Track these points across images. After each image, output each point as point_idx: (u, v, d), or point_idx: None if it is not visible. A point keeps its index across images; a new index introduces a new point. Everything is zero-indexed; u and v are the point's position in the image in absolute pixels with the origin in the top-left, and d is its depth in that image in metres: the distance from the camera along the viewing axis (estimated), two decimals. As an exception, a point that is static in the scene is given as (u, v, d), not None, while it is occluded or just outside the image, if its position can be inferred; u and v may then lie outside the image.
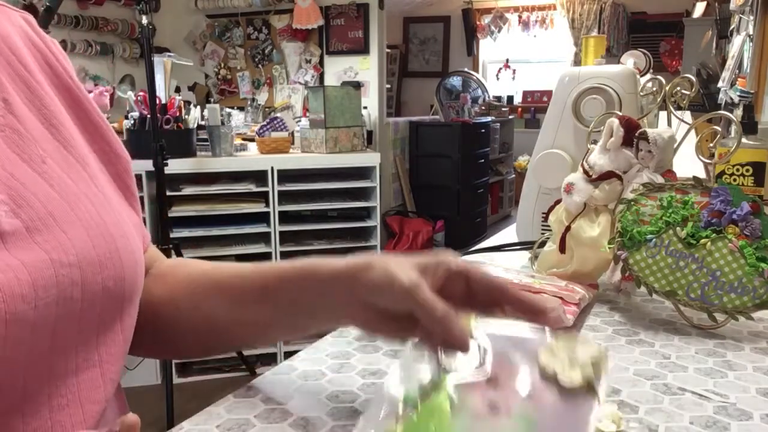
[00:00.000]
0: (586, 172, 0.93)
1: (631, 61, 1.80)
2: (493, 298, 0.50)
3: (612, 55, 5.56)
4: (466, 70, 7.11)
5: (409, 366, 0.45)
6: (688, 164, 0.98)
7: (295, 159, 3.13)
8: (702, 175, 0.93)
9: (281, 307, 0.54)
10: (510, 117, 6.84)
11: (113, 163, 0.56)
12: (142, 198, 2.56)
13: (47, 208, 0.44)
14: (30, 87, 0.49)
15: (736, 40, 3.56)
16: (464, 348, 0.45)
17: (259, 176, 3.02)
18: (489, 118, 6.22)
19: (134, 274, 0.51)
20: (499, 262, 1.09)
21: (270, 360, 3.06)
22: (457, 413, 0.41)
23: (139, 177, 2.57)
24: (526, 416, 0.39)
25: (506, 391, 0.42)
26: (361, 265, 0.49)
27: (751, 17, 3.32)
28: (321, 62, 4.96)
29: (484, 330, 0.47)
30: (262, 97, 5.12)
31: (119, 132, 2.24)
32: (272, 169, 2.97)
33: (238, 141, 3.20)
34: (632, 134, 0.90)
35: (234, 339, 0.59)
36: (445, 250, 0.50)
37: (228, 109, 3.49)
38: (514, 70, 7.51)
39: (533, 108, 7.28)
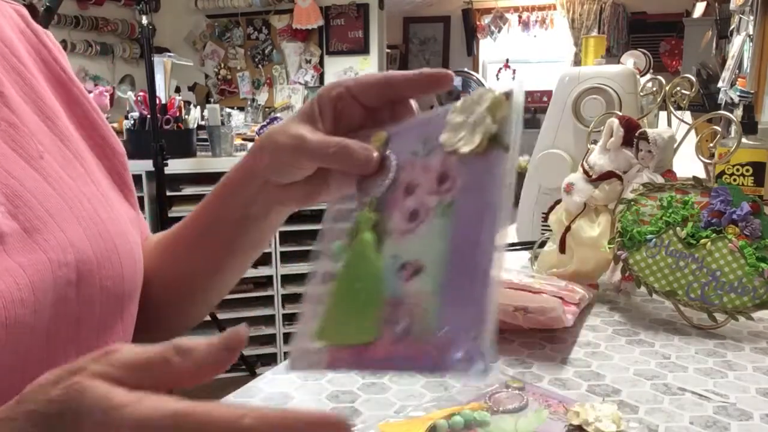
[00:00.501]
0: (586, 172, 0.93)
1: (631, 61, 1.80)
2: (388, 98, 0.46)
3: (612, 55, 5.56)
4: (466, 70, 7.11)
5: (330, 224, 0.44)
6: (688, 164, 0.98)
7: (295, 159, 3.13)
8: (702, 175, 0.93)
9: (217, 230, 0.54)
10: (510, 117, 6.81)
11: (108, 158, 0.55)
12: (141, 198, 2.56)
13: (44, 206, 0.44)
14: (24, 79, 0.48)
15: (736, 40, 3.56)
16: (367, 166, 0.42)
17: (259, 176, 3.02)
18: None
19: (133, 272, 0.50)
20: (499, 262, 1.09)
21: (270, 360, 3.06)
22: (382, 242, 0.39)
23: (139, 177, 2.57)
24: (441, 208, 0.37)
25: (421, 192, 0.39)
26: (254, 155, 0.49)
27: (751, 17, 3.32)
28: (321, 62, 4.96)
29: (395, 138, 0.44)
30: (262, 97, 5.12)
31: (119, 132, 2.25)
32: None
33: (238, 141, 3.20)
34: (632, 134, 0.90)
35: (200, 285, 0.58)
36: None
37: (228, 109, 3.49)
38: (514, 70, 7.51)
39: (533, 108, 7.28)
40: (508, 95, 0.37)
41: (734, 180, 1.09)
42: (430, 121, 0.42)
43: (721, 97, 3.49)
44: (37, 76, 0.50)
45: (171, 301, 0.59)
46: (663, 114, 1.14)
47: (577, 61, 5.94)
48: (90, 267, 0.45)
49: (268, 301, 2.90)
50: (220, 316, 2.71)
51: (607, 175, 0.90)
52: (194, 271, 0.57)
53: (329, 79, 4.90)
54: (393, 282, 0.36)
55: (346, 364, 0.36)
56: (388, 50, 6.09)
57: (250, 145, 3.30)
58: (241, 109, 4.43)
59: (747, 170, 1.08)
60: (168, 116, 2.75)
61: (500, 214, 0.33)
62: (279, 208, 0.52)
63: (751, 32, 3.30)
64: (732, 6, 3.66)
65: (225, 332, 0.30)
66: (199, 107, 3.17)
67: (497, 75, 7.68)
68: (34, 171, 0.45)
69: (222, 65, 5.22)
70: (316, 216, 3.26)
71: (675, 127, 0.98)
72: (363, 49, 4.84)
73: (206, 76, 5.25)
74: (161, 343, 0.30)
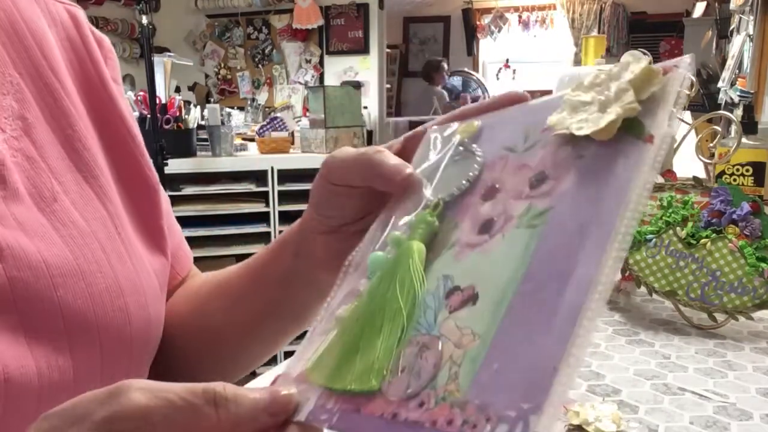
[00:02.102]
0: (586, 172, 0.93)
1: (631, 61, 1.79)
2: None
3: (612, 55, 5.56)
4: (466, 70, 7.11)
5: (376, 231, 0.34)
6: (688, 164, 0.98)
7: (296, 159, 3.13)
8: (702, 175, 0.93)
9: (263, 285, 0.48)
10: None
11: (140, 196, 0.48)
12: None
13: (43, 255, 0.38)
14: (57, 100, 0.43)
15: (736, 40, 3.56)
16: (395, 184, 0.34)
17: (259, 176, 3.02)
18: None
19: (146, 335, 0.44)
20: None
21: (270, 360, 3.06)
22: (436, 257, 0.30)
23: (139, 177, 2.56)
24: (529, 218, 0.26)
25: (504, 196, 0.29)
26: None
27: (751, 17, 3.32)
28: (321, 62, 4.96)
29: (489, 130, 0.34)
30: (262, 97, 5.12)
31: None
32: (272, 169, 2.97)
33: (238, 141, 3.20)
34: (632, 134, 0.90)
35: (238, 348, 0.53)
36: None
37: (228, 109, 3.49)
38: (514, 70, 7.51)
39: (533, 108, 7.26)
40: (667, 70, 0.26)
41: (734, 180, 1.09)
42: (541, 109, 0.31)
43: (721, 97, 3.49)
44: (73, 95, 0.45)
45: (196, 353, 0.52)
46: (663, 114, 1.14)
47: (577, 61, 5.94)
48: (87, 330, 0.39)
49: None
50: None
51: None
52: (230, 325, 0.51)
53: (329, 79, 4.90)
54: (432, 312, 0.27)
55: (334, 418, 0.26)
56: (388, 50, 6.09)
57: (250, 144, 3.30)
58: (241, 108, 4.43)
59: (747, 170, 1.08)
60: (168, 116, 2.75)
61: (617, 232, 0.23)
62: (323, 271, 0.44)
63: (751, 32, 3.30)
64: (732, 6, 3.66)
65: (274, 391, 0.26)
66: (199, 107, 3.17)
67: (497, 75, 7.68)
68: (41, 215, 0.40)
69: (222, 65, 5.21)
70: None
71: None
72: (363, 48, 4.84)
73: (206, 76, 5.25)
74: (189, 384, 0.25)
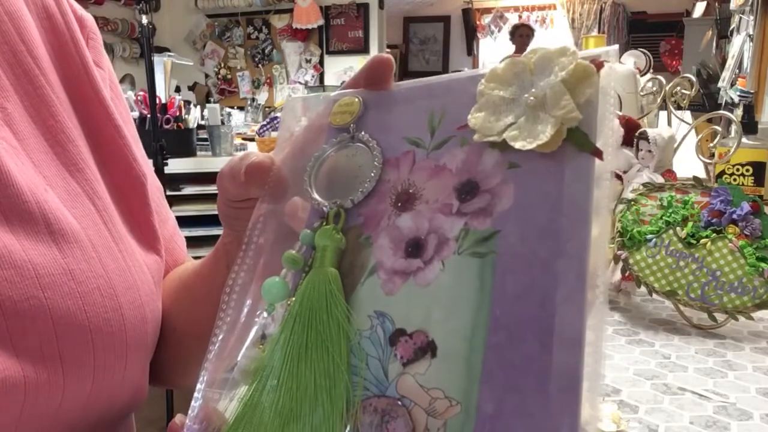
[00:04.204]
0: (586, 171, 0.93)
1: (631, 60, 1.80)
2: None
3: (612, 54, 5.55)
4: (466, 69, 7.11)
5: (256, 243, 0.29)
6: (688, 164, 0.98)
7: (295, 159, 3.13)
8: (702, 175, 0.93)
9: (214, 295, 0.44)
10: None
11: (130, 191, 0.46)
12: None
13: (28, 254, 0.35)
14: (37, 88, 0.40)
15: (736, 40, 3.56)
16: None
17: (259, 176, 3.02)
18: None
19: (142, 335, 0.41)
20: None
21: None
22: (354, 284, 0.24)
23: (139, 177, 2.57)
24: (471, 242, 0.22)
25: (427, 209, 0.24)
26: None
27: (751, 17, 3.32)
28: (321, 62, 4.96)
29: (376, 111, 0.28)
30: (262, 97, 5.12)
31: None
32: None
33: (238, 141, 3.20)
34: (632, 134, 0.90)
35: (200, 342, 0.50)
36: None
37: (228, 109, 3.49)
38: (514, 70, 7.52)
39: (533, 108, 7.25)
40: (599, 65, 0.22)
41: (734, 180, 1.09)
42: (441, 90, 0.26)
43: (721, 97, 3.49)
44: (55, 84, 0.42)
45: (179, 349, 0.49)
46: (663, 114, 1.14)
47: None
48: (78, 331, 0.37)
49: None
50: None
51: (607, 175, 0.90)
52: (194, 324, 0.47)
53: (329, 78, 4.90)
54: (378, 363, 0.22)
55: None
56: (388, 50, 6.09)
57: (249, 144, 3.30)
58: (241, 108, 4.43)
59: (747, 170, 1.08)
60: (168, 116, 2.76)
61: (587, 262, 0.20)
62: None
63: (751, 32, 3.30)
64: (732, 6, 3.66)
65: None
66: (199, 107, 3.17)
67: (497, 75, 7.68)
68: None
69: (222, 65, 5.22)
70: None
71: (675, 126, 0.98)
72: (363, 48, 4.84)
73: (206, 76, 5.26)
74: None
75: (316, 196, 0.28)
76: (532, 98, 0.23)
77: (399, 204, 0.25)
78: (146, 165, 0.48)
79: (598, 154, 0.21)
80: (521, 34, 6.06)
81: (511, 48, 7.41)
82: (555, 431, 0.19)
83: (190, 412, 0.26)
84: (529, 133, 0.22)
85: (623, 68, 1.16)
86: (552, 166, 0.22)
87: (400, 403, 0.21)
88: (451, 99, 0.26)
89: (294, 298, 0.25)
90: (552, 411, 0.19)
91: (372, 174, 0.26)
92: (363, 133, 0.28)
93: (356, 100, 0.28)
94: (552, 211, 0.21)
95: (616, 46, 0.24)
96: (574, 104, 0.22)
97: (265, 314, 0.26)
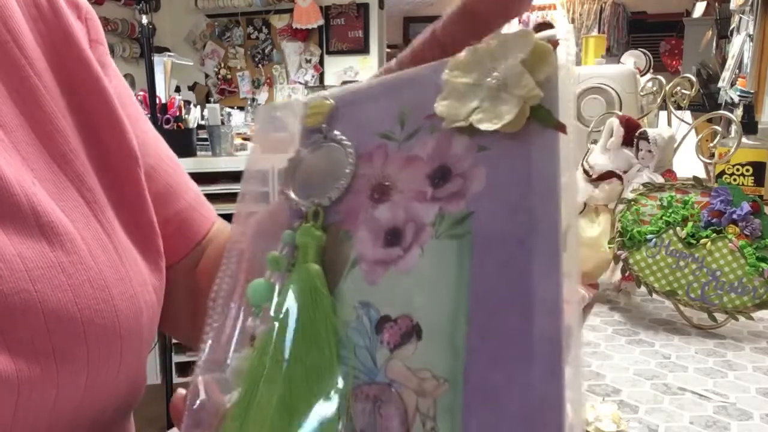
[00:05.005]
0: (586, 171, 0.93)
1: (631, 60, 1.80)
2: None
3: (612, 54, 5.56)
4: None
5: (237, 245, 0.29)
6: (688, 164, 0.98)
7: (295, 159, 3.13)
8: (702, 175, 0.93)
9: None
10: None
11: (127, 170, 0.44)
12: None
13: (17, 248, 0.35)
14: (24, 79, 0.39)
15: (736, 40, 3.56)
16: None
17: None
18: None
19: (136, 326, 0.40)
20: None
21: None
22: (337, 279, 0.25)
23: (139, 177, 2.57)
24: (447, 225, 0.23)
25: (402, 198, 0.25)
26: None
27: (751, 17, 3.32)
28: (321, 62, 4.96)
29: (348, 109, 0.28)
30: (262, 97, 5.12)
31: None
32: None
33: (238, 141, 3.20)
34: (632, 134, 0.90)
35: None
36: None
37: (228, 109, 3.49)
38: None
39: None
40: (554, 44, 0.23)
41: (734, 180, 1.09)
42: (408, 83, 0.27)
43: (722, 97, 3.49)
44: (42, 72, 0.41)
45: None
46: (663, 114, 1.14)
47: (578, 61, 5.95)
48: (70, 324, 0.36)
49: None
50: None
51: (607, 175, 0.90)
52: None
53: (329, 78, 4.90)
54: (365, 351, 0.23)
55: None
56: (388, 50, 6.09)
57: (250, 144, 3.30)
58: (241, 108, 4.43)
59: (747, 170, 1.08)
60: (168, 116, 2.76)
61: (559, 233, 0.21)
62: None
63: (751, 32, 3.30)
64: (732, 6, 3.66)
65: None
66: (199, 107, 3.17)
67: (497, 75, 7.69)
68: None
69: (222, 65, 5.22)
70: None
71: (675, 126, 0.98)
72: (363, 48, 4.85)
73: (206, 76, 5.26)
74: None
75: (293, 196, 0.28)
76: (494, 81, 0.24)
77: (375, 196, 0.26)
78: (155, 139, 0.47)
79: (562, 128, 0.22)
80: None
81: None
82: (542, 395, 0.19)
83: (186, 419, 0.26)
84: (494, 114, 0.23)
85: (623, 68, 1.16)
86: (519, 145, 0.23)
87: (391, 388, 0.22)
88: (418, 90, 0.26)
89: (280, 298, 0.26)
90: (537, 377, 0.19)
91: (347, 171, 0.27)
92: (335, 132, 0.28)
93: (327, 101, 0.29)
94: (522, 188, 0.22)
95: (569, 26, 0.25)
96: (534, 83, 0.23)
97: (251, 319, 0.26)
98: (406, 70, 0.28)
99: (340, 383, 0.23)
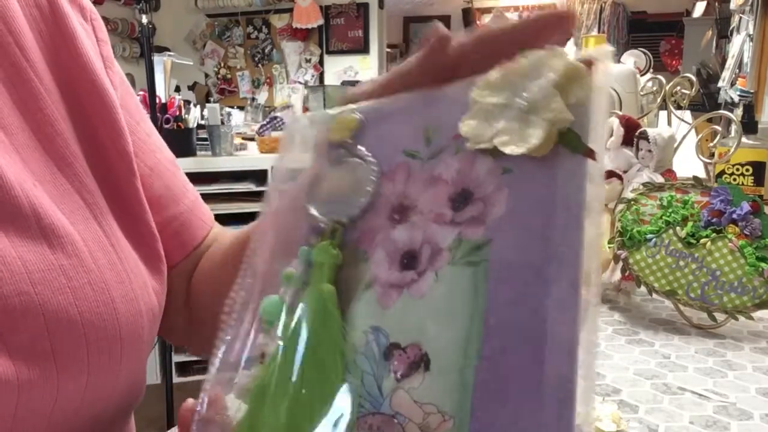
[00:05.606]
0: (586, 171, 0.93)
1: (631, 60, 1.80)
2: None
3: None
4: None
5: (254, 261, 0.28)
6: (688, 164, 0.98)
7: (295, 158, 3.13)
8: (702, 174, 0.93)
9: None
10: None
11: (124, 183, 0.44)
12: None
13: (18, 251, 0.35)
14: (25, 81, 0.39)
15: (736, 40, 3.56)
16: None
17: (259, 176, 3.02)
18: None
19: (137, 328, 0.40)
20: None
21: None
22: (349, 301, 0.24)
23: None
24: (463, 251, 0.22)
25: (421, 219, 0.24)
26: None
27: (751, 17, 3.32)
28: (321, 62, 4.97)
29: (374, 125, 0.28)
30: (262, 97, 5.12)
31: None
32: (272, 168, 2.96)
33: (238, 140, 3.20)
34: (632, 134, 0.90)
35: None
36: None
37: (228, 109, 3.49)
38: (514, 70, 7.52)
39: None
40: (589, 65, 0.22)
41: (734, 180, 1.09)
42: (435, 101, 0.26)
43: (721, 97, 3.49)
44: (43, 75, 0.40)
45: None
46: (663, 113, 1.14)
47: (577, 61, 5.94)
48: (70, 326, 0.36)
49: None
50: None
51: (607, 175, 0.90)
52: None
53: (329, 78, 4.90)
54: (372, 379, 0.22)
55: None
56: (388, 50, 6.09)
57: (250, 144, 3.31)
58: (241, 108, 4.43)
59: (747, 170, 1.08)
60: (168, 115, 2.76)
61: (580, 267, 0.20)
62: None
63: (751, 32, 3.30)
64: (732, 6, 3.66)
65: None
66: (199, 106, 3.17)
67: (497, 74, 7.69)
68: None
69: (222, 64, 5.22)
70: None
71: (675, 126, 0.98)
72: (363, 48, 4.84)
73: (206, 76, 5.26)
74: None
75: (313, 212, 0.27)
76: (523, 102, 0.23)
77: (394, 217, 0.25)
78: (156, 142, 0.47)
79: (591, 154, 0.21)
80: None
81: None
82: None
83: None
84: (520, 137, 0.22)
85: (623, 68, 1.16)
86: (544, 170, 0.22)
87: (394, 419, 0.21)
88: (446, 109, 0.25)
89: (290, 316, 0.25)
90: (546, 421, 0.19)
91: (368, 188, 0.26)
92: (360, 147, 0.27)
93: (354, 116, 0.28)
94: (544, 216, 0.21)
95: (610, 47, 0.24)
96: (564, 106, 0.22)
97: (262, 336, 0.26)
98: (436, 87, 0.27)
99: (346, 412, 0.22)
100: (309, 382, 0.23)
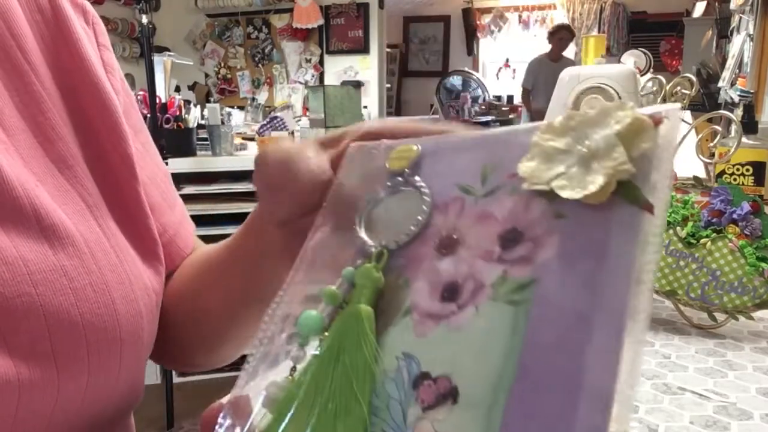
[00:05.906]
0: (586, 171, 0.93)
1: (631, 60, 1.80)
2: None
3: (612, 54, 5.56)
4: (466, 69, 7.11)
5: (303, 278, 0.29)
6: (688, 164, 0.98)
7: (295, 158, 3.13)
8: (702, 174, 0.93)
9: (244, 265, 0.44)
10: (510, 116, 6.86)
11: (124, 187, 0.44)
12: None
13: (20, 251, 0.35)
14: (27, 84, 0.39)
15: (736, 40, 3.56)
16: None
17: (259, 176, 3.02)
18: (489, 118, 6.23)
19: (137, 330, 0.40)
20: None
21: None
22: (387, 325, 0.25)
23: (139, 176, 2.57)
24: (507, 290, 0.22)
25: (468, 254, 0.24)
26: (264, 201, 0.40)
27: (751, 17, 3.32)
28: (321, 61, 4.97)
29: (432, 158, 0.29)
30: (262, 97, 5.13)
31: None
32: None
33: (238, 140, 3.20)
34: (632, 134, 0.90)
35: (222, 326, 0.48)
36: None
37: (228, 109, 3.49)
38: (514, 70, 7.51)
39: (533, 107, 7.29)
40: (657, 121, 0.22)
41: (734, 179, 1.09)
42: (495, 141, 0.27)
43: (722, 97, 3.49)
44: (45, 78, 0.41)
45: (186, 332, 0.49)
46: (663, 113, 1.13)
47: (578, 61, 5.95)
48: (70, 328, 0.36)
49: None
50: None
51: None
52: (215, 302, 0.47)
53: (329, 78, 4.90)
54: (398, 405, 0.23)
55: None
56: (388, 49, 6.09)
57: (250, 144, 3.31)
58: (242, 108, 4.44)
59: (747, 170, 1.08)
60: (168, 115, 2.76)
61: (625, 319, 0.19)
62: (283, 262, 0.39)
63: (751, 32, 3.30)
64: (732, 6, 3.66)
65: None
66: (199, 106, 3.17)
67: (497, 74, 7.68)
68: None
69: (222, 64, 5.22)
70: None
71: (675, 126, 0.98)
72: (363, 48, 4.85)
73: (206, 76, 5.26)
74: None
75: (363, 235, 0.28)
76: (585, 149, 0.23)
77: (442, 249, 0.25)
78: (153, 152, 0.48)
79: (649, 208, 0.21)
80: (561, 38, 5.45)
81: (512, 48, 7.42)
82: None
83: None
84: (578, 183, 0.22)
85: (623, 68, 1.16)
86: (599, 218, 0.22)
87: None
88: (505, 149, 0.26)
89: (327, 333, 0.26)
90: None
91: (420, 218, 0.27)
92: (416, 177, 0.28)
93: (413, 147, 0.29)
94: (594, 263, 0.21)
95: (678, 105, 0.24)
96: (626, 157, 0.22)
97: (298, 346, 0.26)
98: (498, 128, 0.28)
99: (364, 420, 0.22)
100: (335, 401, 0.23)
